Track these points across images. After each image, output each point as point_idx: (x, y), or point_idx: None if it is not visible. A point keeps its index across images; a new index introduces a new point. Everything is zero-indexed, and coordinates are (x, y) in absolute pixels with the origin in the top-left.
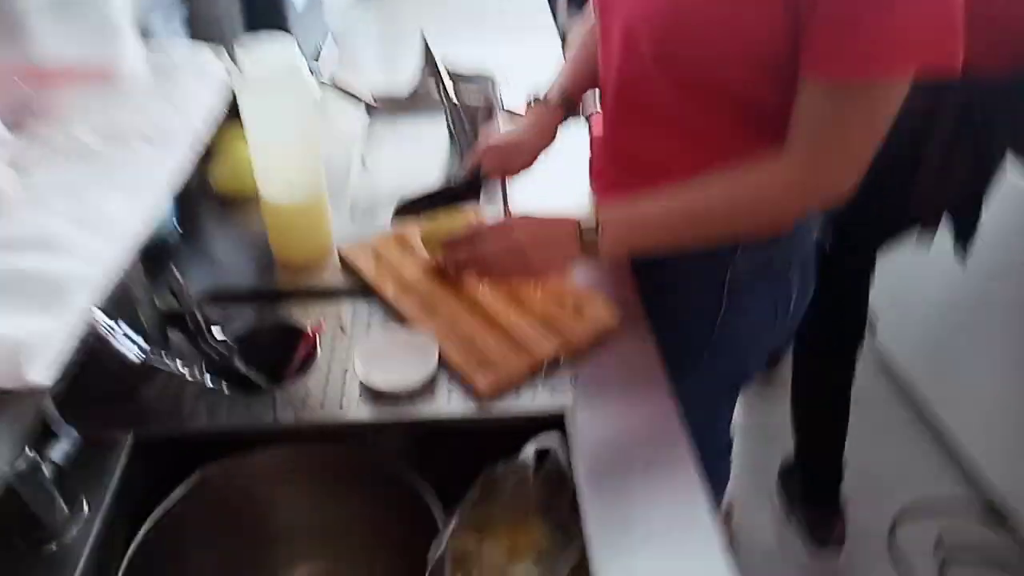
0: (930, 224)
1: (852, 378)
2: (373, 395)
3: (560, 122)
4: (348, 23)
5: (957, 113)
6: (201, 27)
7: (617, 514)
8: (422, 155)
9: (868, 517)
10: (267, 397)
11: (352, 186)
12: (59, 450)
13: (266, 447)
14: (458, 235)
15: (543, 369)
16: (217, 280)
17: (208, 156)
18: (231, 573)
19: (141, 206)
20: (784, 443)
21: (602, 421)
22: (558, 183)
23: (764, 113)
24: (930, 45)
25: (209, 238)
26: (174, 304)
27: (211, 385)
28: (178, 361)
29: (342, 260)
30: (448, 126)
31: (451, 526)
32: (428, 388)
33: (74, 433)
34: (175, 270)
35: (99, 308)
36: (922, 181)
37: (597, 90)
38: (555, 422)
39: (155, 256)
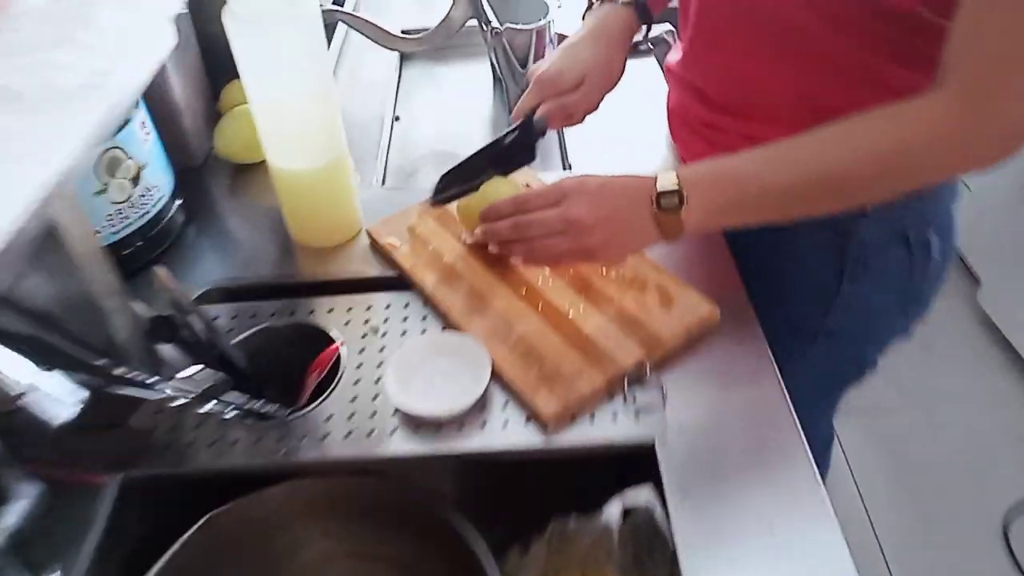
0: None
1: None
2: (409, 421)
3: (633, 34)
4: None
5: None
6: None
7: None
8: (463, 103)
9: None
10: (282, 425)
11: (383, 145)
12: (14, 512)
13: (282, 482)
14: (498, 206)
15: (625, 384)
16: (226, 270)
17: (215, 117)
18: None
19: (39, 173)
20: None
21: (704, 453)
22: (630, 130)
23: (920, 33)
24: None
25: (219, 218)
26: (167, 309)
27: (215, 410)
28: (169, 384)
29: (372, 240)
30: (492, 65)
31: None
32: (478, 411)
33: (37, 484)
34: (163, 270)
35: (27, 354)
36: None
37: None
38: (642, 455)
39: (151, 245)
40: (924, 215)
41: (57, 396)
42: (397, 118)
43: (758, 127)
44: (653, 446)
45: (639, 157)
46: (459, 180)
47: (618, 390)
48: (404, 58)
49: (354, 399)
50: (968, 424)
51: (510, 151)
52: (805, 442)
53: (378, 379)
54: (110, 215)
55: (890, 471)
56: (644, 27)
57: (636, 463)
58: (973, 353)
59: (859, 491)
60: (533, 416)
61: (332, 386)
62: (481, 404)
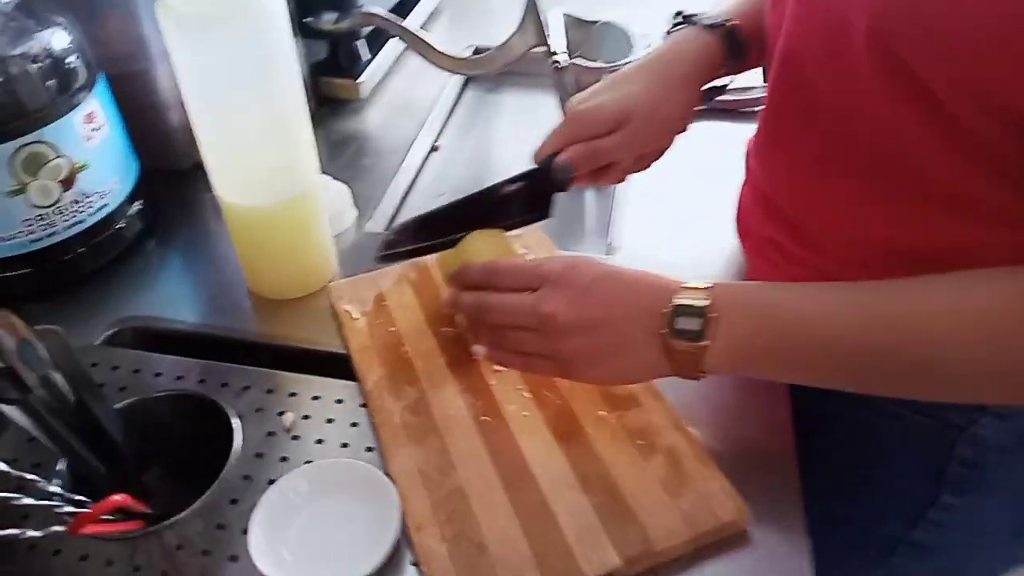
0: None
1: None
2: None
3: (714, 70)
4: None
5: None
6: None
7: None
8: (520, 139)
9: None
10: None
11: (404, 179)
12: None
13: None
14: (467, 271)
15: None
16: (158, 303)
17: None
18: None
19: None
20: None
21: None
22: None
23: None
24: None
25: (185, 235)
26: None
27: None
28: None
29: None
30: (560, 101)
31: None
32: None
33: None
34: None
35: None
36: None
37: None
38: None
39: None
40: None
41: None
42: (435, 148)
43: (828, 261)
44: None
45: (704, 252)
46: (425, 234)
47: None
48: (468, 79)
49: (219, 527)
50: None
51: (516, 202)
52: None
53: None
54: (28, 220)
55: None
56: (735, 63)
57: None
58: None
59: None
60: None
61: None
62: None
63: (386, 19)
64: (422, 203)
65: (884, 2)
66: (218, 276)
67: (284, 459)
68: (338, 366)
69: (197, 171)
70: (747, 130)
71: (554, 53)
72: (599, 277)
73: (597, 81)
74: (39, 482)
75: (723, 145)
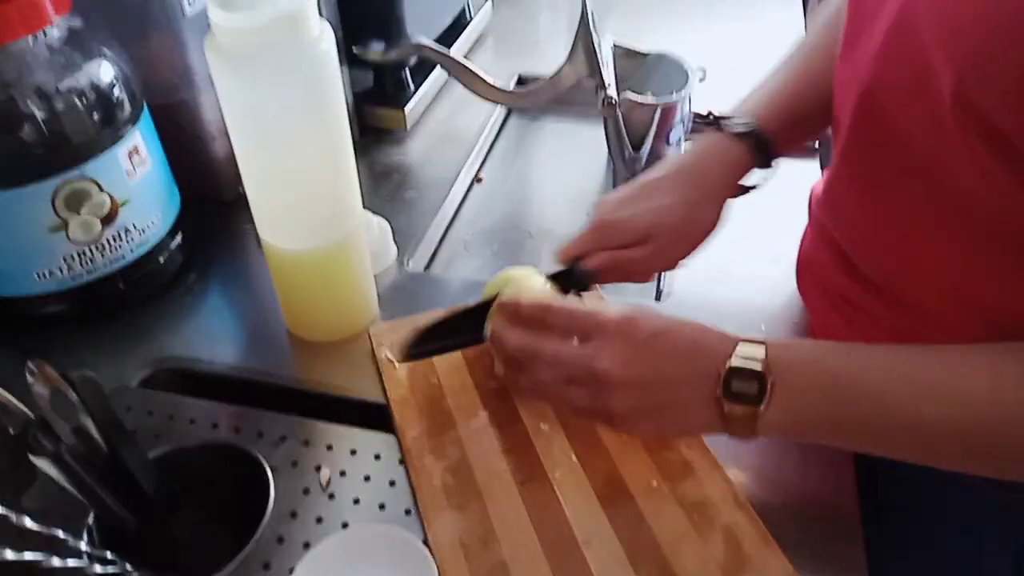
0: None
1: None
2: None
3: (741, 175)
4: None
5: None
6: None
7: None
8: (566, 172)
9: None
10: None
11: (446, 213)
12: None
13: None
14: (519, 303)
15: None
16: (195, 344)
17: None
18: None
19: None
20: None
21: None
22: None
23: None
24: None
25: (226, 271)
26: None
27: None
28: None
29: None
30: (606, 135)
31: None
32: None
33: None
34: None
35: None
36: None
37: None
38: None
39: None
40: None
41: None
42: (478, 179)
43: (908, 319)
44: None
45: (759, 300)
46: (450, 336)
47: None
48: (512, 108)
49: None
50: None
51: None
52: None
53: (290, 570)
54: (69, 256)
55: None
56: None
57: None
58: None
59: None
60: None
61: (233, 562)
62: None
63: (436, 51)
64: (463, 237)
65: (968, 61)
66: (256, 314)
67: (319, 520)
68: (377, 416)
69: (239, 203)
70: (805, 169)
71: (606, 87)
72: (656, 333)
73: (648, 116)
74: (68, 540)
75: (781, 186)
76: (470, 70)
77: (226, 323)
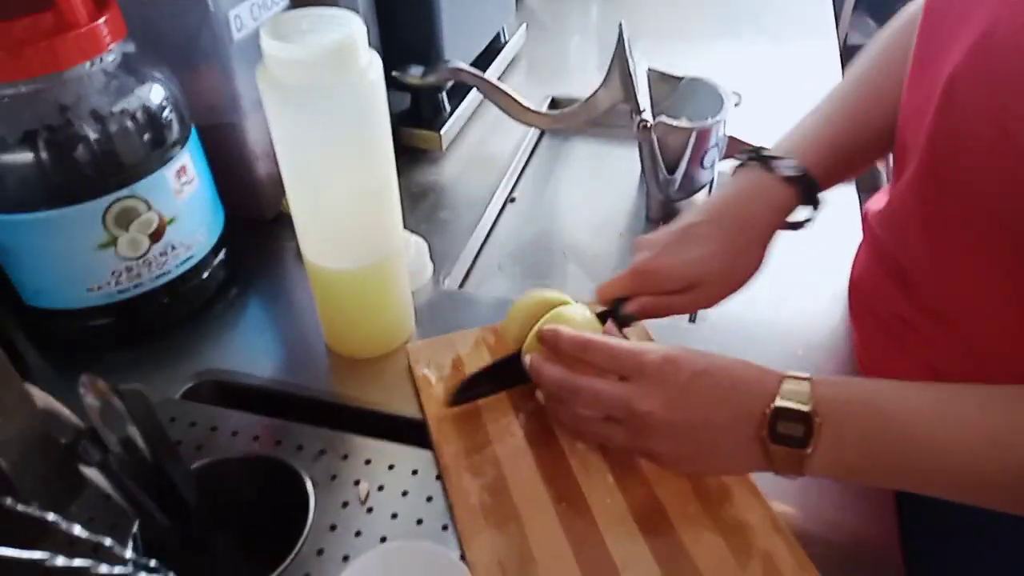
0: None
1: None
2: None
3: (786, 215)
4: (549, 8)
5: None
6: None
7: None
8: (600, 192)
9: None
10: None
11: (480, 233)
12: None
13: None
14: (558, 336)
15: None
16: (237, 358)
17: None
18: None
19: None
20: None
21: None
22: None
23: None
24: None
25: (266, 287)
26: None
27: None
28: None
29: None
30: (640, 158)
31: None
32: None
33: None
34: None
35: None
36: None
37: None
38: None
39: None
40: None
41: None
42: (512, 199)
43: (964, 347)
44: None
45: (800, 316)
46: (496, 381)
47: None
48: (545, 130)
49: None
50: None
51: None
52: None
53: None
54: (116, 271)
55: None
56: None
57: None
58: None
59: None
60: None
61: (275, 573)
62: None
63: (472, 74)
64: (497, 257)
65: None
66: (296, 329)
67: (358, 534)
68: (414, 432)
69: (281, 221)
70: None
71: (641, 111)
72: (698, 373)
73: (682, 140)
74: (114, 547)
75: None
76: (506, 93)
77: (267, 338)
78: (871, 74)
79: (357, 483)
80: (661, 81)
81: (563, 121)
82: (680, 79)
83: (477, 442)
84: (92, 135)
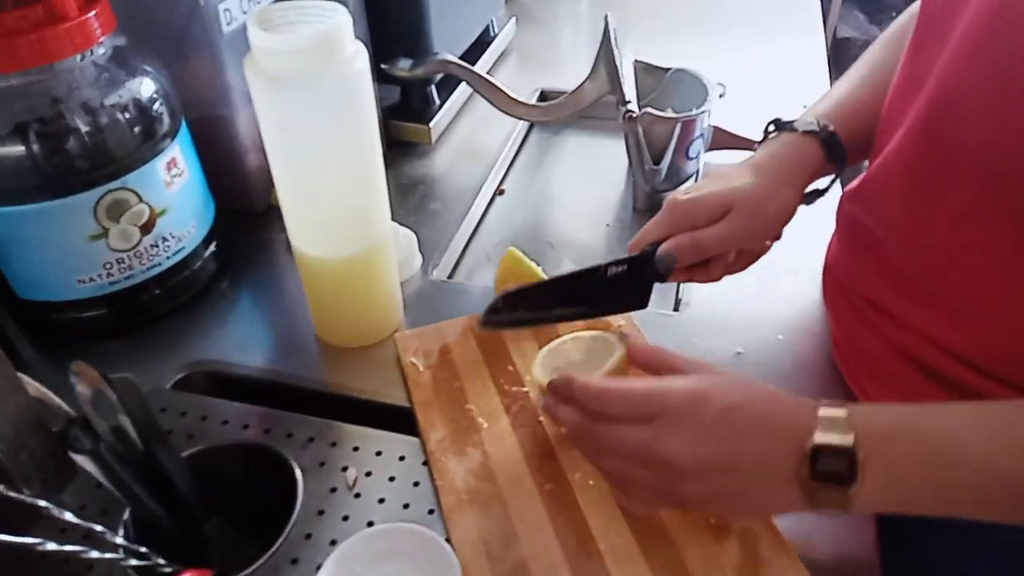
0: None
1: None
2: None
3: (817, 170)
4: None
5: None
6: None
7: None
8: (588, 183)
9: None
10: None
11: (469, 224)
12: None
13: None
14: (568, 386)
15: None
16: (229, 348)
17: None
18: None
19: None
20: None
21: None
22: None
23: None
24: None
25: (256, 279)
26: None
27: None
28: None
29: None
30: (627, 148)
31: None
32: None
33: None
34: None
35: None
36: None
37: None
38: None
39: (169, 296)
40: None
41: None
42: (501, 191)
43: (941, 326)
44: None
45: (779, 302)
46: (528, 305)
47: None
48: (534, 123)
49: None
50: None
51: (612, 288)
52: None
53: (318, 566)
54: (108, 263)
55: None
56: (835, 166)
57: None
58: None
59: None
60: None
61: (263, 558)
62: None
63: (461, 67)
64: (486, 248)
65: None
66: (286, 320)
67: (346, 518)
68: (401, 419)
69: (271, 213)
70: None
71: (627, 102)
72: (726, 410)
73: (667, 130)
74: (105, 533)
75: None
76: (494, 85)
77: (257, 328)
78: (886, 52)
79: (345, 469)
80: (647, 73)
81: (551, 113)
82: (666, 71)
83: (463, 427)
84: (83, 127)
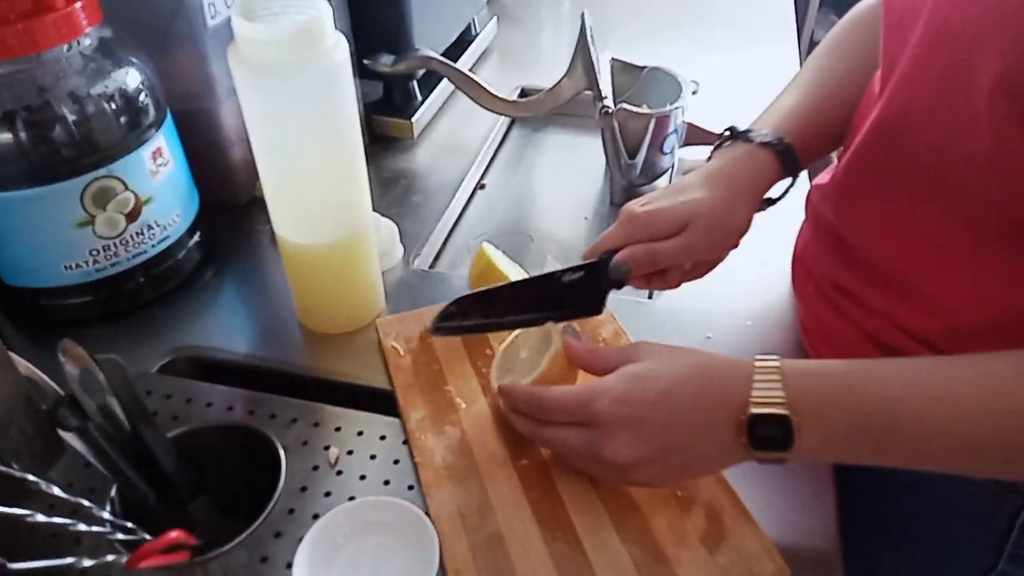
0: None
1: None
2: None
3: (771, 182)
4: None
5: None
6: None
7: None
8: (567, 178)
9: None
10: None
11: (450, 216)
12: None
13: None
14: (512, 395)
15: None
16: (213, 334)
17: None
18: None
19: None
20: None
21: None
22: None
23: None
24: None
25: (240, 268)
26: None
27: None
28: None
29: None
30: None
31: None
32: None
33: None
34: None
35: None
36: None
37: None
38: None
39: (154, 284)
40: None
41: None
42: (482, 185)
43: (906, 310)
44: None
45: (750, 298)
46: (481, 311)
47: None
48: (514, 119)
49: (263, 560)
50: None
51: (568, 294)
52: None
53: (300, 538)
54: (94, 250)
55: None
56: (788, 179)
57: None
58: None
59: None
60: None
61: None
62: None
63: (442, 62)
64: (467, 240)
65: (1016, 48)
66: (270, 308)
67: (328, 494)
68: (382, 401)
69: (254, 205)
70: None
71: (603, 98)
72: (658, 398)
73: (642, 126)
74: (92, 508)
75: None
76: (475, 82)
77: (241, 316)
78: (834, 55)
79: (327, 448)
80: (624, 71)
81: (530, 109)
82: (642, 68)
83: (442, 408)
84: (70, 116)
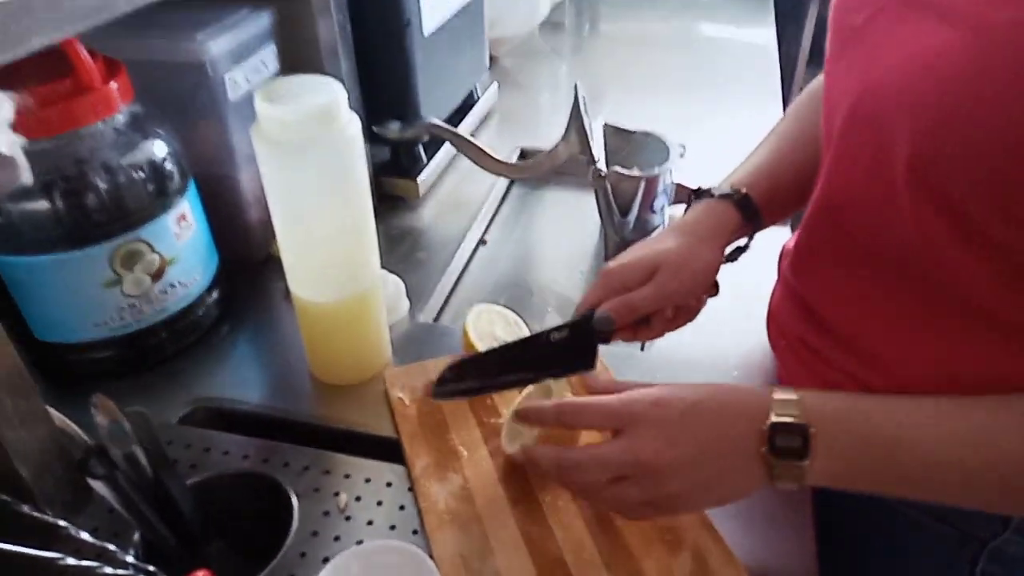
0: None
1: None
2: None
3: (734, 232)
4: (522, 67)
5: None
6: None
7: None
8: (565, 235)
9: None
10: None
11: (453, 271)
12: None
13: None
14: (539, 411)
15: None
16: (230, 386)
17: None
18: None
19: None
20: None
21: None
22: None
23: None
24: None
25: (256, 324)
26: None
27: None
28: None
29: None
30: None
31: None
32: None
33: None
34: (101, 397)
35: None
36: None
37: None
38: None
39: (174, 339)
40: None
41: None
42: (483, 241)
43: (865, 370)
44: None
45: (734, 352)
46: (477, 374)
47: None
48: (514, 179)
49: None
50: None
51: (557, 352)
52: None
53: None
54: (120, 308)
55: None
56: (751, 225)
57: None
58: None
59: None
60: None
61: (262, 574)
62: None
63: (447, 130)
64: (471, 295)
65: (925, 131)
66: (282, 360)
67: (337, 538)
68: (389, 449)
69: (269, 263)
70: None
71: (595, 160)
72: (690, 406)
73: (633, 187)
74: (117, 552)
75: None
76: (476, 146)
77: (256, 368)
78: (795, 124)
79: (337, 495)
80: (616, 135)
81: (528, 171)
82: (633, 133)
83: (445, 456)
84: (102, 185)
